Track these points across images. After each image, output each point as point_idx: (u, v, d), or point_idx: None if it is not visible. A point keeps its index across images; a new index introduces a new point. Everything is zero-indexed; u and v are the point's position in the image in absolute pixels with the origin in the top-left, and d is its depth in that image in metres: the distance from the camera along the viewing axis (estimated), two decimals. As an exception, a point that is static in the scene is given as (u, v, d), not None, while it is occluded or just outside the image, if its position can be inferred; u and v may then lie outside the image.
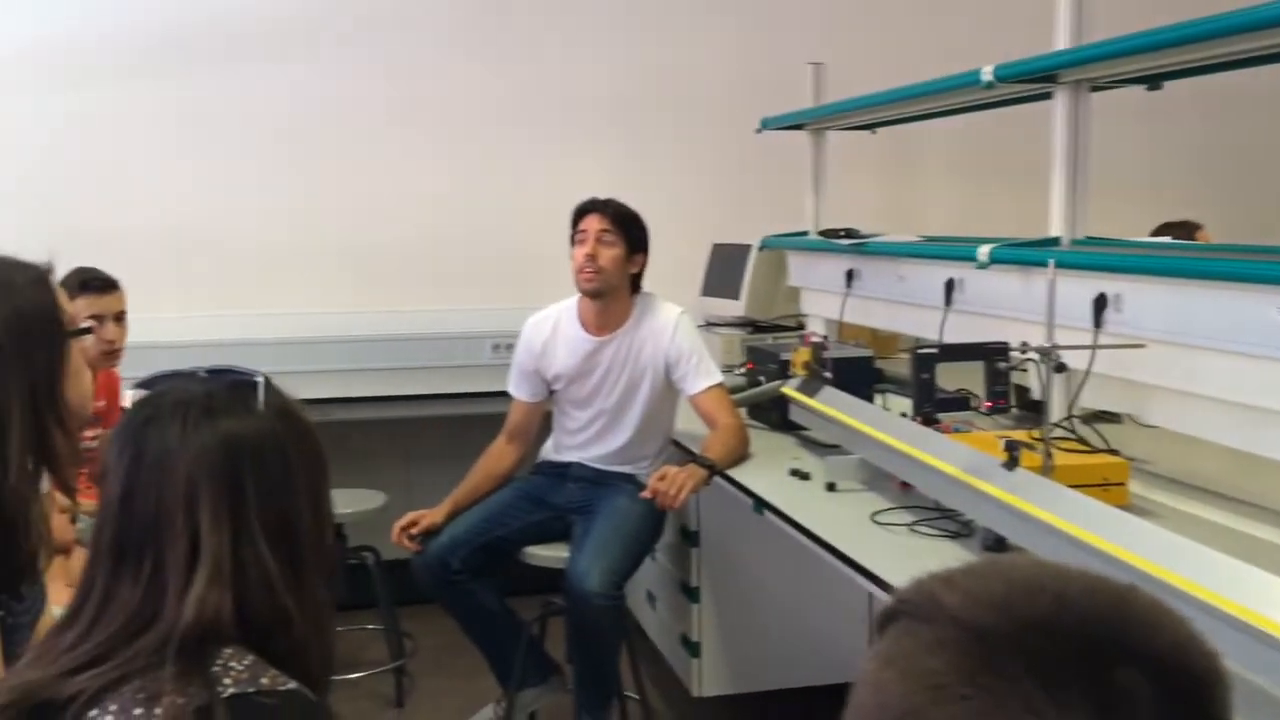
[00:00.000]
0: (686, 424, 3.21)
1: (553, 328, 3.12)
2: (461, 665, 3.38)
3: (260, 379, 1.17)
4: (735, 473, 2.80)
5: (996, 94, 2.77)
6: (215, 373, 1.18)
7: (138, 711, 1.04)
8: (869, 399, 2.95)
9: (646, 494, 2.77)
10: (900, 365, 3.53)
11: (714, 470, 2.79)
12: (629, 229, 3.03)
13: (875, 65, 4.13)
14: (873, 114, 3.53)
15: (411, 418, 4.12)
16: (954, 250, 2.91)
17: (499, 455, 3.17)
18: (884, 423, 2.52)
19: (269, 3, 4.22)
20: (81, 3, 4.08)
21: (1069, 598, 0.63)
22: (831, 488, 2.58)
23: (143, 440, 1.12)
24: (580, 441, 3.14)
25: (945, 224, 4.03)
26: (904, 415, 2.71)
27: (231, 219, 4.20)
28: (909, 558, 2.14)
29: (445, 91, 4.33)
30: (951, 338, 2.85)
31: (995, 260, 2.65)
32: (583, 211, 3.05)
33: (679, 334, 3.03)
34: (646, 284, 3.12)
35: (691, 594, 3.27)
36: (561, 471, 3.15)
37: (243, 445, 1.13)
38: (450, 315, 4.25)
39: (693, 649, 3.28)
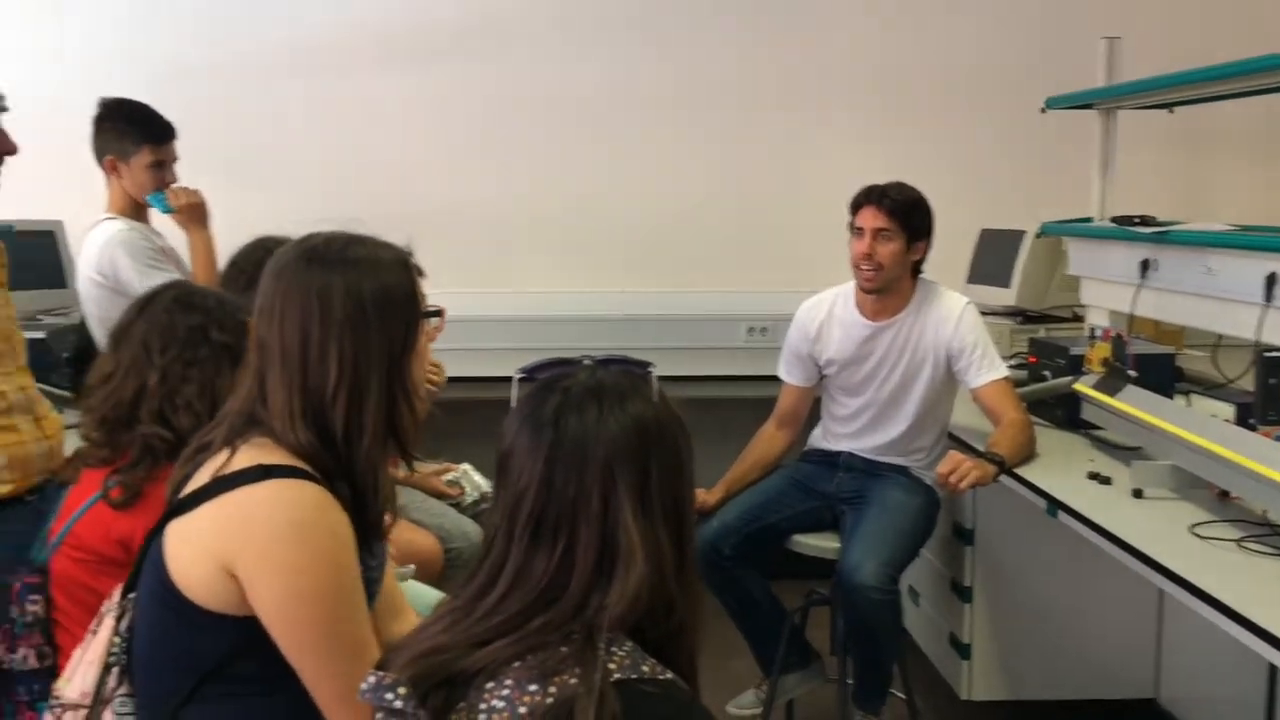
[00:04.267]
0: (960, 417, 3.10)
1: (828, 311, 3.05)
2: (718, 644, 3.36)
3: (652, 368, 1.18)
4: (1024, 471, 2.67)
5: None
6: (602, 362, 1.20)
7: (533, 688, 1.06)
8: (1169, 398, 2.75)
9: (939, 481, 2.65)
10: (1193, 363, 3.29)
11: (1003, 468, 2.66)
12: (907, 219, 2.91)
13: (1173, 39, 3.88)
14: (1174, 93, 3.29)
15: (664, 398, 4.13)
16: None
17: (769, 441, 3.14)
18: (1203, 427, 2.33)
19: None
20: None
21: None
22: (1138, 494, 2.42)
23: (561, 426, 1.15)
24: (852, 430, 3.06)
25: (1243, 212, 3.72)
26: (1215, 418, 2.51)
27: (507, 200, 4.31)
28: (1241, 576, 1.97)
29: (713, 74, 4.31)
30: (1271, 338, 2.62)
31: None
32: (858, 204, 2.94)
33: (964, 324, 2.91)
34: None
35: (963, 593, 3.15)
36: (831, 460, 3.08)
37: (649, 430, 1.16)
38: (704, 297, 4.24)
39: (963, 650, 3.16)
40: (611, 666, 1.08)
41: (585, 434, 1.14)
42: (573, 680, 1.06)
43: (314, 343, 1.43)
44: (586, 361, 1.21)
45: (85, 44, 4.14)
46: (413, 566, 2.11)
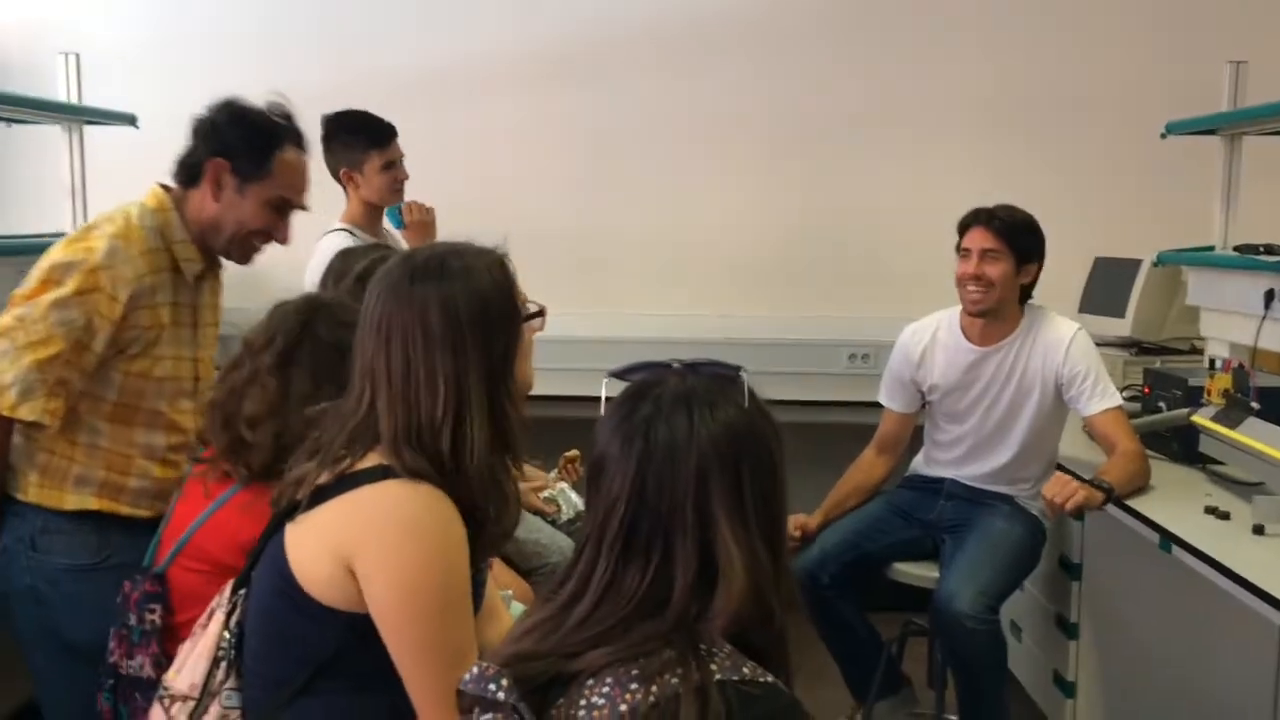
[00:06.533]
0: (1072, 448, 3.00)
1: (932, 336, 3.01)
2: (809, 670, 3.30)
3: (744, 372, 1.16)
4: (1137, 504, 2.57)
5: None
6: (691, 364, 1.18)
7: (634, 686, 1.05)
8: (1293, 433, 2.63)
9: (1044, 502, 2.58)
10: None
11: (1111, 495, 2.57)
12: (1016, 240, 2.86)
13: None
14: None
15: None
16: None
17: (869, 467, 3.09)
18: (1331, 462, 2.23)
19: (635, 19, 4.30)
20: (481, 25, 4.32)
21: None
22: (1259, 530, 2.31)
23: (652, 435, 1.13)
24: (955, 457, 3.00)
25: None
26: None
27: (611, 222, 4.33)
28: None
29: (818, 95, 4.28)
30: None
31: None
32: (966, 225, 2.90)
33: (1075, 350, 2.83)
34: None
35: (1069, 629, 3.04)
36: (933, 487, 3.02)
37: (740, 436, 1.13)
38: (806, 322, 4.21)
39: (1067, 689, 3.06)
40: (713, 667, 1.07)
41: (675, 443, 1.12)
42: (674, 680, 1.05)
43: (417, 367, 1.42)
44: (675, 364, 1.19)
45: (208, 73, 4.29)
46: (511, 591, 2.13)
